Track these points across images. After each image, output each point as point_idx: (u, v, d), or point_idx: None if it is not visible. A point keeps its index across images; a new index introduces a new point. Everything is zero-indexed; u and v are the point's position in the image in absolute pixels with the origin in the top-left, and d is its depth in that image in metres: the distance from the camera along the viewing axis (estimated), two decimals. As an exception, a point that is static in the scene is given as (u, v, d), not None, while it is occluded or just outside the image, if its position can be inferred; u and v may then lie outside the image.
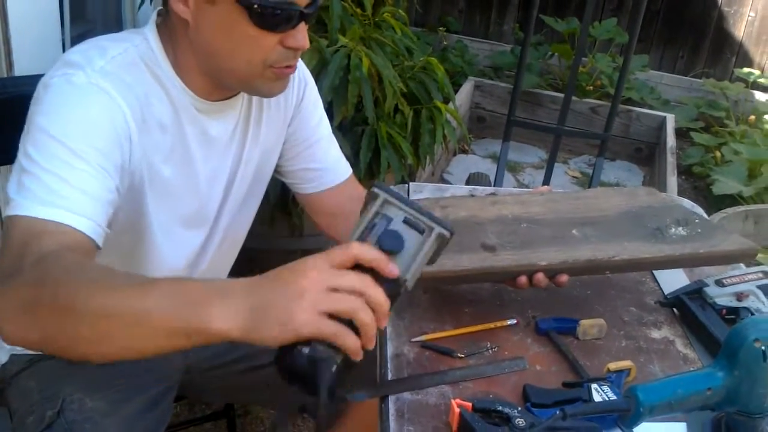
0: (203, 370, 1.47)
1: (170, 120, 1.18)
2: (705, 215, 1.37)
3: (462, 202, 1.35)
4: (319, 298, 0.80)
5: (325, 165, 1.45)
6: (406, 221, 0.91)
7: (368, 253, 0.84)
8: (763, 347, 0.94)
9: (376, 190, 0.94)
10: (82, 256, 0.98)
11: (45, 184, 1.01)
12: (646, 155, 4.31)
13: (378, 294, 0.83)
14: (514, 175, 4.05)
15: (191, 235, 1.33)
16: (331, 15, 2.10)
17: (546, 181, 3.07)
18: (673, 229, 1.30)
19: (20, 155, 1.05)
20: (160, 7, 1.19)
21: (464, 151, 4.28)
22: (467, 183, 3.31)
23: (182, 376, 1.45)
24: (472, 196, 1.35)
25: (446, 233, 0.92)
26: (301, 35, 1.12)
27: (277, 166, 1.43)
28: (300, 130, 1.41)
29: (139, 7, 2.36)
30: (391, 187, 1.01)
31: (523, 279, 1.19)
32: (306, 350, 0.82)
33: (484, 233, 1.25)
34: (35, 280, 0.89)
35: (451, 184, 3.70)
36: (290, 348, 0.83)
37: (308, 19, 1.13)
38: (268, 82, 1.16)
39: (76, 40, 2.34)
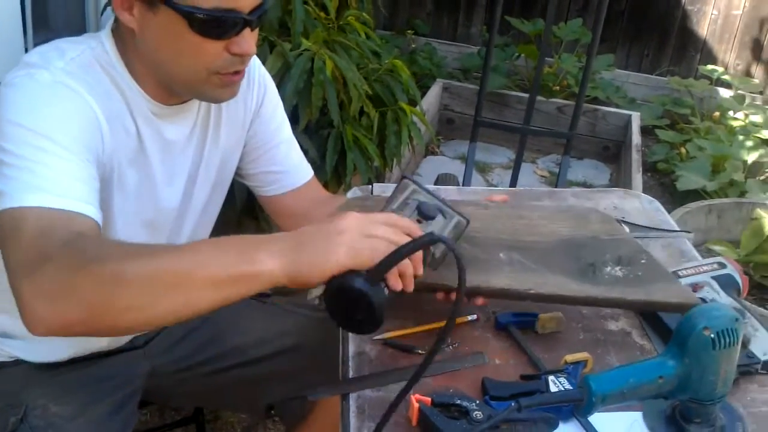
0: (168, 373, 1.48)
1: (130, 123, 1.19)
2: (658, 262, 1.26)
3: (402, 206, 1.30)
4: (355, 238, 0.91)
5: (286, 168, 1.46)
6: (433, 206, 1.09)
7: (403, 220, 0.99)
8: (712, 335, 0.96)
9: (406, 180, 1.12)
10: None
11: (39, 174, 1.00)
12: (613, 153, 4.36)
13: (407, 226, 0.96)
14: (484, 175, 4.08)
15: (152, 239, 1.33)
16: (294, 19, 2.10)
17: (513, 181, 3.10)
18: (609, 268, 1.21)
19: None
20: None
21: (434, 153, 4.31)
22: (435, 184, 3.33)
23: (147, 380, 1.45)
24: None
25: (464, 221, 1.13)
26: (245, 42, 1.12)
27: (239, 168, 1.44)
28: (260, 134, 1.42)
29: (102, 12, 2.34)
30: (359, 188, 1.07)
31: (440, 295, 1.18)
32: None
33: None
34: (70, 260, 0.91)
35: (420, 185, 3.71)
36: (341, 276, 0.92)
37: (253, 25, 1.13)
38: (216, 88, 1.16)
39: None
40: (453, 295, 1.16)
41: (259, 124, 1.41)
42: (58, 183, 1.01)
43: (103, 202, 1.13)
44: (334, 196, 1.58)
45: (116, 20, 1.18)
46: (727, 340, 0.96)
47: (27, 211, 0.98)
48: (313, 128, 2.23)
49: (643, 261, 1.24)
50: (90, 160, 1.08)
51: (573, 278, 1.19)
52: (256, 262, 0.90)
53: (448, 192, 1.74)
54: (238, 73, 1.16)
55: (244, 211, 2.24)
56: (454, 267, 0.93)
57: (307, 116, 2.11)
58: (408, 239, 0.94)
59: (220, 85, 1.16)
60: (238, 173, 1.44)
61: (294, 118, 2.14)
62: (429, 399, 1.02)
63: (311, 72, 2.07)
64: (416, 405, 1.01)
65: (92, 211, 1.03)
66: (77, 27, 2.61)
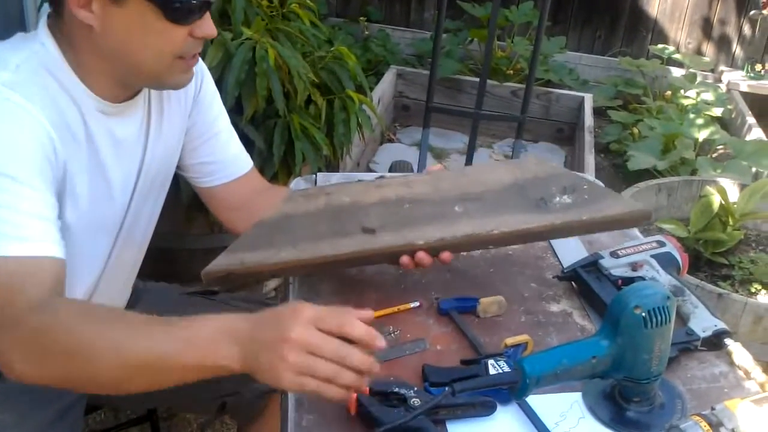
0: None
1: (80, 127, 1.17)
2: (598, 182, 1.38)
3: (346, 188, 1.34)
4: (299, 361, 0.90)
5: (224, 158, 1.45)
6: None
7: (357, 329, 0.93)
8: (643, 314, 0.96)
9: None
10: (63, 295, 1.05)
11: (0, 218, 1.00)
12: (567, 135, 4.39)
13: (357, 360, 0.91)
14: (440, 161, 4.08)
15: (101, 239, 1.31)
16: (234, 7, 2.07)
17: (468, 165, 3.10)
18: (558, 198, 1.28)
19: None
20: (49, 10, 1.16)
21: (390, 140, 4.29)
22: (390, 171, 3.32)
23: None
24: (359, 181, 1.36)
25: None
26: (207, 24, 1.16)
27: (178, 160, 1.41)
28: (198, 123, 1.40)
29: (39, 8, 2.29)
30: (302, 178, 1.07)
31: (405, 259, 1.21)
32: None
33: (365, 216, 1.25)
34: (40, 328, 0.97)
35: (376, 173, 3.70)
36: None
37: (210, 8, 1.16)
38: (178, 74, 1.19)
39: (-25, 43, 2.28)
40: (418, 257, 1.19)
41: (197, 113, 1.39)
42: (19, 226, 1.02)
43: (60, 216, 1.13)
44: (275, 187, 1.57)
45: (54, 17, 1.15)
46: (659, 318, 0.96)
47: None
48: (260, 118, 2.20)
49: (585, 186, 1.31)
50: (46, 186, 1.08)
51: (529, 213, 1.25)
52: (221, 360, 0.95)
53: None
54: (195, 57, 1.20)
55: (192, 205, 2.21)
56: (350, 236, 1.09)
57: (252, 106, 2.09)
58: (354, 357, 0.91)
59: (182, 71, 1.19)
60: (176, 165, 1.42)
61: (239, 109, 2.11)
62: (367, 389, 1.01)
63: (254, 61, 2.04)
64: (354, 395, 1.00)
65: (55, 250, 1.04)
66: (16, 25, 2.55)
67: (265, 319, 0.96)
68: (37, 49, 1.13)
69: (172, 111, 1.33)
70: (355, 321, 0.93)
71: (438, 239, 1.20)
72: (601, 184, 1.33)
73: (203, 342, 0.95)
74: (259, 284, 2.70)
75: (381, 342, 0.93)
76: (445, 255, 1.22)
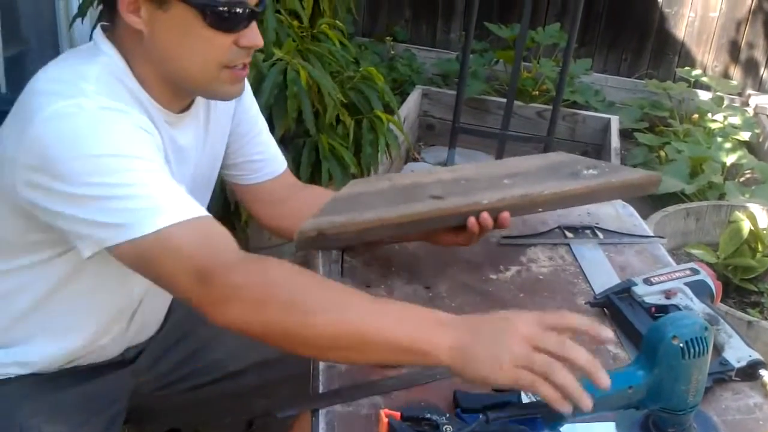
0: (149, 392, 1.46)
1: (156, 134, 1.17)
2: (610, 163, 1.55)
3: (405, 175, 1.48)
4: (520, 355, 0.90)
5: (268, 155, 1.48)
6: None
7: (579, 321, 0.95)
8: (681, 344, 0.95)
9: None
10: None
11: (152, 195, 1.03)
12: (593, 157, 4.35)
13: (579, 355, 0.91)
14: (464, 181, 4.07)
15: None
16: (266, 28, 2.09)
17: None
18: (586, 171, 1.46)
19: (76, 189, 1.02)
20: (102, 23, 1.19)
21: (415, 159, 4.30)
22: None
23: (130, 398, 1.43)
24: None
25: None
26: (253, 33, 1.16)
27: (223, 158, 1.43)
28: (243, 122, 1.42)
29: (71, 24, 2.33)
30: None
31: (472, 220, 1.30)
32: None
33: (429, 190, 1.37)
34: (257, 276, 1.01)
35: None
36: None
37: (258, 18, 1.17)
38: (225, 84, 1.18)
39: (10, 60, 2.31)
40: (482, 217, 1.30)
41: (242, 111, 1.41)
42: (172, 196, 1.04)
43: None
44: (311, 186, 1.62)
45: (109, 26, 1.17)
46: (697, 349, 0.95)
47: (168, 232, 1.01)
48: (288, 138, 2.22)
49: (603, 164, 1.50)
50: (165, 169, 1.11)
51: (568, 181, 1.42)
52: (433, 346, 0.95)
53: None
54: (245, 67, 1.19)
55: (220, 221, 2.22)
56: (421, 201, 1.27)
57: (282, 126, 2.10)
58: (576, 351, 0.91)
59: (230, 81, 1.18)
60: (221, 164, 1.44)
61: (269, 128, 2.13)
62: (398, 413, 1.01)
63: (284, 82, 2.05)
64: (385, 420, 0.99)
65: (203, 210, 1.07)
66: (49, 39, 2.59)
67: (487, 319, 0.97)
68: (107, 61, 1.14)
69: (218, 114, 1.35)
70: (576, 316, 0.97)
71: (499, 199, 1.33)
72: (617, 164, 1.50)
73: (418, 324, 0.96)
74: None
75: (608, 332, 0.96)
76: (504, 215, 1.31)
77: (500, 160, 1.65)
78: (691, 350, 0.95)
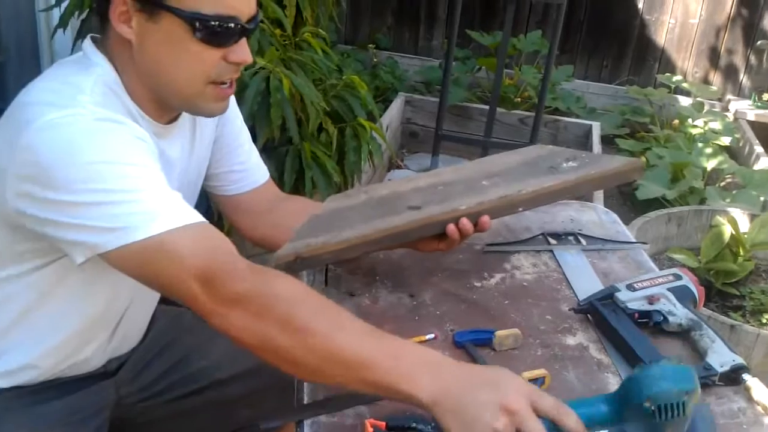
0: (132, 404, 1.45)
1: (151, 143, 1.16)
2: (590, 153, 1.53)
3: (382, 185, 1.50)
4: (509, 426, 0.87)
5: (250, 166, 1.47)
6: None
7: (573, 422, 0.89)
8: (653, 407, 0.88)
9: None
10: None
11: (150, 200, 1.02)
12: (576, 163, 4.38)
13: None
14: (448, 188, 4.08)
15: None
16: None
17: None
18: (565, 164, 1.44)
19: (71, 196, 1.01)
20: (92, 35, 1.19)
21: (398, 167, 4.30)
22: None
23: (113, 410, 1.43)
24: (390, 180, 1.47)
25: None
26: (242, 50, 1.15)
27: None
28: (226, 134, 1.42)
29: (53, 35, 2.31)
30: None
31: (451, 227, 1.29)
32: None
33: (407, 200, 1.37)
34: (263, 288, 1.00)
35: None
36: None
37: (249, 34, 1.15)
38: (210, 101, 1.17)
39: (-10, 70, 2.30)
40: (462, 223, 1.29)
41: (225, 123, 1.41)
42: (170, 202, 1.03)
43: None
44: (293, 196, 1.62)
45: (99, 38, 1.17)
46: (672, 413, 0.88)
47: (166, 237, 1.00)
48: (271, 146, 2.21)
49: (583, 155, 1.49)
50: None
51: (546, 176, 1.41)
52: (417, 390, 0.92)
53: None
54: (232, 85, 1.19)
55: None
56: (399, 214, 1.26)
57: (265, 135, 2.10)
58: None
59: (214, 98, 1.17)
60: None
61: (252, 138, 2.12)
62: (383, 423, 1.00)
63: (267, 91, 2.05)
64: (371, 429, 0.99)
65: (200, 216, 1.06)
66: (30, 50, 2.57)
67: (479, 373, 0.95)
68: (100, 71, 1.14)
69: (203, 125, 1.35)
70: (574, 414, 0.90)
71: (477, 203, 1.32)
72: (597, 153, 1.50)
73: (408, 365, 0.94)
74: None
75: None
76: (484, 219, 1.31)
77: (480, 159, 1.62)
78: (665, 414, 0.88)
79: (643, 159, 4.00)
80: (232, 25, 1.11)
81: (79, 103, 1.06)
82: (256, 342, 1.00)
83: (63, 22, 2.16)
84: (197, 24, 1.08)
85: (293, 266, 1.25)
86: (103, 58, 1.15)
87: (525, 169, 1.47)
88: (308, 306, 1.01)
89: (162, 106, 1.20)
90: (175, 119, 1.25)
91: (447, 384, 0.92)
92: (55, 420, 1.29)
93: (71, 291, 1.20)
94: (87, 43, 1.17)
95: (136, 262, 1.02)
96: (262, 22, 2.20)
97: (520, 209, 1.38)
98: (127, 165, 1.04)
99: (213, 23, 1.09)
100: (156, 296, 1.46)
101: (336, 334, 0.97)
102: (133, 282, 1.19)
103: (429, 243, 1.36)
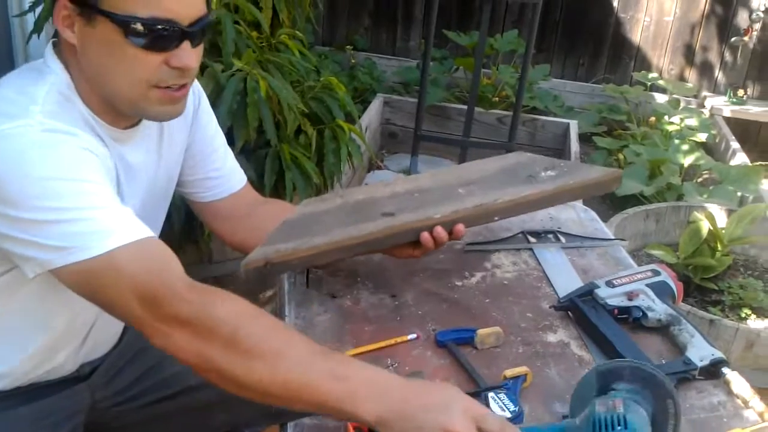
0: (107, 408, 1.44)
1: (105, 151, 1.15)
2: (569, 161, 1.54)
3: (358, 189, 1.50)
4: None
5: (225, 172, 1.46)
6: None
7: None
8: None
9: None
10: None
11: (101, 218, 1.01)
12: (554, 161, 4.41)
13: None
14: (427, 188, 4.08)
15: None
16: (225, 39, 2.08)
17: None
18: (543, 174, 1.44)
19: (23, 212, 1.00)
20: (54, 39, 1.17)
21: (378, 168, 4.30)
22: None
23: (86, 416, 1.41)
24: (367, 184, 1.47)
25: None
26: (185, 54, 1.10)
27: (179, 176, 1.42)
28: (198, 141, 1.40)
29: (28, 40, 2.29)
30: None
31: (425, 235, 1.29)
32: None
33: (382, 206, 1.36)
34: (204, 309, 0.99)
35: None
36: None
37: (193, 38, 1.11)
38: (156, 105, 1.14)
39: (-37, 76, 2.27)
40: (436, 232, 1.29)
41: (197, 130, 1.39)
42: (119, 219, 1.03)
43: None
44: (271, 199, 1.60)
45: (57, 42, 1.15)
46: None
47: (114, 255, 1.00)
48: (251, 149, 2.21)
49: (562, 164, 1.48)
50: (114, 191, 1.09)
51: (524, 185, 1.40)
52: (362, 412, 0.92)
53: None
54: (181, 88, 1.15)
55: (183, 234, 2.20)
56: (373, 220, 1.25)
57: (243, 137, 2.09)
58: None
59: (160, 102, 1.13)
60: (177, 182, 1.42)
61: (229, 140, 2.11)
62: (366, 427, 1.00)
63: (244, 92, 2.04)
64: (352, 430, 0.99)
65: (150, 232, 1.05)
66: (4, 55, 2.55)
67: (426, 393, 0.93)
68: (54, 79, 1.12)
69: (173, 130, 1.33)
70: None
71: (452, 212, 1.32)
72: (576, 162, 1.52)
73: (355, 386, 0.93)
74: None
75: None
76: (458, 227, 1.31)
77: (458, 165, 1.64)
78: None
79: (621, 156, 4.04)
80: (169, 28, 1.07)
81: (30, 114, 1.05)
82: (199, 362, 0.99)
83: (38, 27, 2.14)
84: (131, 28, 1.05)
85: (263, 271, 1.24)
86: (59, 64, 1.13)
87: (503, 177, 1.46)
88: (254, 328, 0.99)
89: (115, 110, 1.17)
90: (135, 124, 1.22)
91: (394, 406, 0.91)
92: (26, 423, 1.27)
93: (37, 296, 1.19)
94: (48, 49, 1.16)
95: (83, 279, 1.02)
96: (237, 23, 2.19)
97: (496, 218, 1.39)
98: (81, 182, 1.03)
99: (148, 27, 1.06)
100: None
101: (282, 355, 0.97)
102: None
103: (403, 250, 1.36)
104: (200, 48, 1.15)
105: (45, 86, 1.10)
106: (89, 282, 1.02)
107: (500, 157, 1.60)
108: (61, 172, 1.02)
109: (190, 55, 1.11)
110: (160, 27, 1.06)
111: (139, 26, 1.05)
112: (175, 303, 0.99)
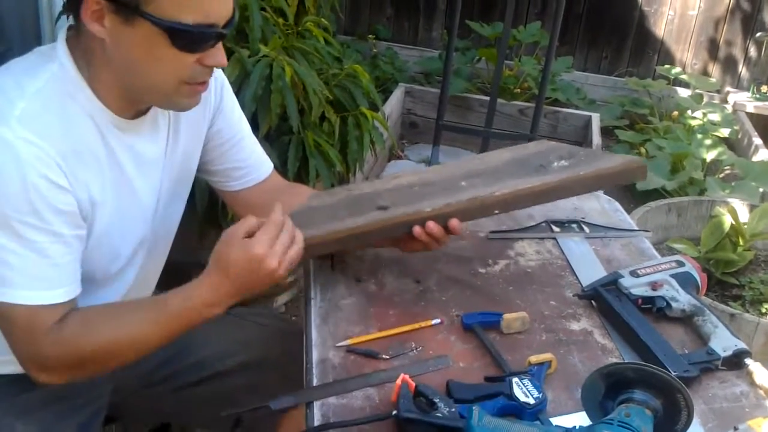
0: (133, 389, 1.46)
1: (100, 147, 1.17)
2: (590, 149, 1.46)
3: (367, 183, 1.51)
4: (276, 251, 1.15)
5: (251, 162, 1.47)
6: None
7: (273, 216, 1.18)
8: None
9: None
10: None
11: (15, 267, 1.09)
12: (575, 154, 4.39)
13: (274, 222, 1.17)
14: (448, 178, 4.08)
15: (135, 249, 1.33)
16: (251, 25, 2.09)
17: (476, 183, 3.11)
18: (556, 163, 1.35)
19: None
20: (71, 23, 1.17)
21: (398, 157, 4.31)
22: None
23: (111, 396, 1.43)
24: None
25: None
26: (219, 54, 1.14)
27: (204, 165, 1.43)
28: (223, 130, 1.41)
29: (56, 22, 2.31)
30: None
31: (417, 229, 1.27)
32: None
33: (380, 199, 1.34)
34: (59, 350, 1.14)
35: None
36: None
37: (225, 38, 1.14)
38: (183, 98, 1.17)
39: (-7, 59, 2.30)
40: (428, 227, 1.27)
41: (222, 120, 1.40)
42: (38, 277, 1.11)
43: (89, 239, 1.20)
44: (295, 184, 1.62)
45: (73, 30, 1.16)
46: None
47: (14, 309, 1.11)
48: (274, 135, 2.22)
49: (581, 153, 1.39)
50: (68, 222, 1.13)
51: (530, 177, 1.32)
52: (205, 316, 1.20)
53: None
54: (205, 83, 1.18)
55: (206, 218, 2.22)
56: (366, 213, 1.28)
57: (267, 123, 2.10)
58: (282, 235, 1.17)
59: (188, 95, 1.17)
60: (203, 170, 1.44)
61: (254, 125, 2.12)
62: (414, 384, 1.03)
63: (270, 78, 2.05)
64: (399, 383, 1.02)
65: (68, 291, 1.15)
66: (32, 37, 2.57)
67: (220, 267, 1.17)
68: (56, 70, 1.13)
69: (190, 121, 1.34)
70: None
71: (444, 205, 1.27)
72: (597, 150, 1.44)
73: (179, 299, 1.18)
74: (267, 298, 2.71)
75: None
76: (453, 223, 1.28)
77: (474, 156, 1.59)
78: None
79: (643, 150, 4.02)
80: (210, 31, 1.10)
81: (10, 113, 1.07)
82: (92, 376, 1.24)
83: (66, 9, 2.15)
84: (176, 33, 1.07)
85: None
86: (67, 53, 1.14)
87: (512, 168, 1.39)
88: (102, 330, 1.17)
89: (131, 101, 1.19)
90: (143, 113, 1.24)
91: (223, 300, 1.19)
92: (44, 404, 1.30)
93: None
94: (60, 35, 1.16)
95: None
96: (264, 10, 2.20)
97: (496, 212, 1.32)
98: (22, 224, 1.08)
99: (189, 31, 1.07)
100: (151, 287, 1.47)
101: (135, 329, 1.19)
102: (130, 276, 1.32)
103: (407, 243, 1.35)
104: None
105: (43, 77, 1.12)
106: None
107: (520, 146, 1.54)
108: (10, 207, 1.07)
109: (222, 54, 1.15)
110: (201, 31, 1.09)
111: (181, 31, 1.07)
112: (47, 350, 1.14)
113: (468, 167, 1.44)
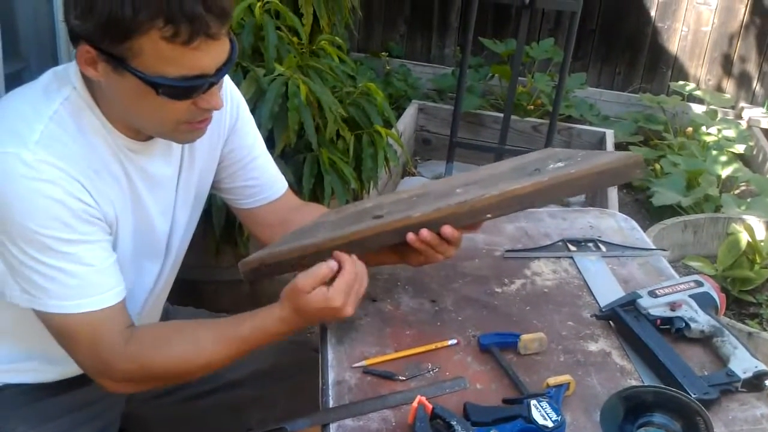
0: (145, 400, 1.47)
1: (118, 166, 1.19)
2: (590, 151, 1.41)
3: (373, 199, 1.52)
4: (352, 301, 1.19)
5: (264, 181, 1.47)
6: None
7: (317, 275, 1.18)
8: None
9: None
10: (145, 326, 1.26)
11: (68, 282, 1.12)
12: (589, 171, 4.38)
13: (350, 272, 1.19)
14: (461, 195, 4.08)
15: (149, 267, 1.35)
16: (267, 45, 2.10)
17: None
18: (552, 165, 1.30)
19: (12, 247, 1.10)
20: None
21: (411, 174, 4.31)
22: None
23: (125, 407, 1.45)
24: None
25: None
26: (213, 98, 1.13)
27: (217, 183, 1.44)
28: (238, 149, 1.42)
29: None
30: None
31: (410, 236, 1.24)
32: None
33: (379, 210, 1.34)
34: (130, 365, 1.18)
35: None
36: None
37: (219, 81, 1.13)
38: (182, 134, 1.19)
39: (10, 78, 2.32)
40: (422, 234, 1.23)
41: (236, 139, 1.41)
42: (86, 285, 1.13)
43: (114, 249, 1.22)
44: (309, 203, 1.62)
45: None
46: None
47: (71, 319, 1.13)
48: (290, 153, 2.23)
49: (580, 154, 1.34)
50: (99, 232, 1.16)
51: (521, 180, 1.25)
52: (270, 342, 1.22)
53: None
54: (205, 120, 1.18)
55: (222, 237, 2.22)
56: (362, 222, 1.26)
57: (283, 141, 2.11)
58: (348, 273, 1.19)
59: (188, 132, 1.18)
60: (216, 187, 1.45)
61: (269, 143, 2.13)
62: (431, 406, 1.02)
63: (285, 97, 2.06)
64: (415, 405, 1.01)
65: (115, 295, 1.17)
66: (49, 55, 2.59)
67: (295, 309, 1.19)
68: (69, 93, 1.14)
69: (204, 140, 1.33)
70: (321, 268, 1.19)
71: (433, 210, 1.24)
72: (597, 151, 1.39)
73: (254, 315, 1.21)
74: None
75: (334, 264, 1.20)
76: (446, 230, 1.22)
77: (477, 168, 1.55)
78: None
79: (657, 166, 4.00)
80: (198, 82, 1.09)
81: (29, 138, 1.09)
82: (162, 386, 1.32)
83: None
84: (161, 87, 1.07)
85: (258, 272, 1.29)
86: (79, 77, 1.15)
87: (510, 174, 1.35)
88: (173, 346, 1.21)
89: (136, 130, 1.20)
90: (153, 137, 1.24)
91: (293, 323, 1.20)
92: (60, 414, 1.32)
93: None
94: (75, 56, 1.16)
95: (45, 323, 1.16)
96: (278, 29, 2.21)
97: (488, 216, 1.24)
98: (56, 241, 1.10)
99: (177, 85, 1.07)
100: (164, 297, 1.48)
101: (203, 343, 1.21)
102: (141, 296, 1.34)
103: (412, 255, 1.30)
104: (222, 81, 1.16)
105: (57, 101, 1.13)
106: (50, 327, 1.17)
107: (524, 155, 1.50)
108: (47, 227, 1.09)
109: (216, 97, 1.14)
110: (190, 83, 1.08)
111: (169, 86, 1.07)
112: (115, 370, 1.18)
113: (468, 177, 1.44)
